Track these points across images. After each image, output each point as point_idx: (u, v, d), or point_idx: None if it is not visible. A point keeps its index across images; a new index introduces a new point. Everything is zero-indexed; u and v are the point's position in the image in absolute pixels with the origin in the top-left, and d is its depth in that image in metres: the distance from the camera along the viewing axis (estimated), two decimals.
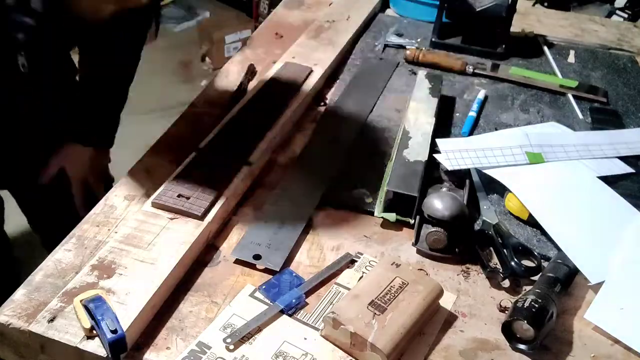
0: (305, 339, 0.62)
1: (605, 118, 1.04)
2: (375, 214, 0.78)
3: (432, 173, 0.84)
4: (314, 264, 0.72)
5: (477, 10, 1.17)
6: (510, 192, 0.81)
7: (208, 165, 0.80)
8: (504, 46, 1.21)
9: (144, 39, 1.04)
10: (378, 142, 0.93)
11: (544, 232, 0.78)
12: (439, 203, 0.73)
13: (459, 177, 0.84)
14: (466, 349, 0.63)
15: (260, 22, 3.00)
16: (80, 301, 0.60)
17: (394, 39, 1.24)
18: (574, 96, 1.09)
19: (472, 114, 1.01)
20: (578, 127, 1.01)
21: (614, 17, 2.01)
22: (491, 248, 0.76)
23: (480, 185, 0.84)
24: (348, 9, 1.30)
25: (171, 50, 2.84)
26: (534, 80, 1.13)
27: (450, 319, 0.66)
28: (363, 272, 0.71)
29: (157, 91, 2.49)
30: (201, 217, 0.72)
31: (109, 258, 0.66)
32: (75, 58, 1.05)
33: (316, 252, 0.74)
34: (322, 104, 1.02)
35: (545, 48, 1.26)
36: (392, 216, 0.77)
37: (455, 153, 0.86)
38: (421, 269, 0.72)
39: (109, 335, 0.56)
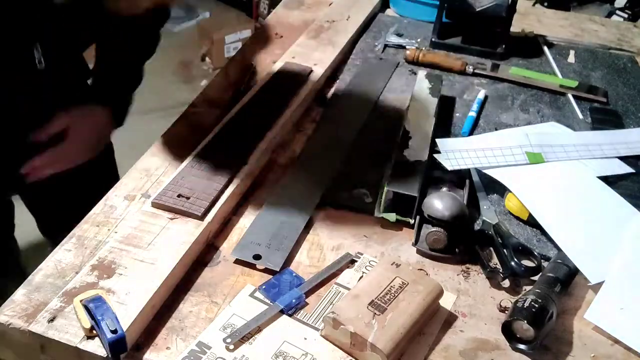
0: (305, 339, 0.62)
1: (605, 118, 1.04)
2: (375, 214, 0.78)
3: (432, 173, 0.84)
4: (314, 264, 0.72)
5: (477, 10, 1.17)
6: (510, 192, 0.81)
7: (208, 165, 0.80)
8: (504, 46, 1.21)
9: (167, 17, 1.02)
10: (378, 142, 0.93)
11: (544, 232, 0.78)
12: (439, 203, 0.73)
13: (459, 177, 0.84)
14: (466, 349, 0.63)
15: (260, 22, 3.01)
16: (80, 301, 0.60)
17: (394, 39, 1.24)
18: (574, 96, 1.09)
19: (472, 114, 1.01)
20: (578, 127, 1.01)
21: (614, 17, 2.01)
22: (491, 248, 0.76)
23: (480, 185, 0.84)
24: (348, 9, 1.30)
25: (171, 50, 2.84)
26: (534, 80, 1.13)
27: (450, 319, 0.66)
28: (363, 272, 0.71)
29: (157, 91, 2.49)
30: (201, 217, 0.72)
31: (109, 258, 0.66)
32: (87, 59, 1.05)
33: (316, 252, 0.74)
34: (322, 104, 1.02)
35: (545, 48, 1.26)
36: (392, 216, 0.77)
37: (455, 153, 0.86)
38: (421, 269, 0.72)
39: (109, 335, 0.56)
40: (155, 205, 0.73)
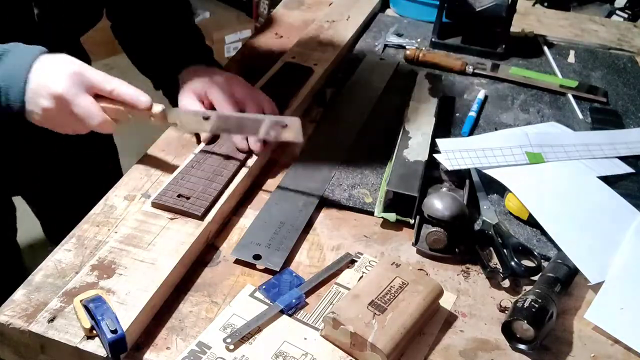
0: (305, 339, 0.62)
1: (605, 118, 1.04)
2: (375, 214, 0.78)
3: (432, 173, 0.84)
4: (314, 264, 0.72)
5: (477, 10, 1.17)
6: (510, 192, 0.81)
7: (208, 165, 0.80)
8: (504, 46, 1.21)
9: None
10: (378, 142, 0.93)
11: (544, 232, 0.78)
12: (439, 203, 0.73)
13: (459, 177, 0.84)
14: (466, 349, 0.63)
15: (260, 22, 3.01)
16: (80, 301, 0.60)
17: (394, 39, 1.24)
18: (574, 96, 1.09)
19: (472, 114, 1.01)
20: (578, 127, 1.01)
21: (614, 17, 2.01)
22: (491, 248, 0.76)
23: (480, 185, 0.84)
24: (348, 9, 1.30)
25: None
26: (534, 80, 1.13)
27: (450, 319, 0.66)
28: (363, 272, 0.71)
29: (157, 91, 2.48)
30: (201, 217, 0.72)
31: (109, 258, 0.66)
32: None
33: (316, 252, 0.74)
34: (322, 104, 1.02)
35: (545, 48, 1.26)
36: (392, 216, 0.77)
37: (455, 153, 0.86)
38: (421, 269, 0.72)
39: (109, 335, 0.56)
40: (155, 205, 0.73)
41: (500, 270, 0.71)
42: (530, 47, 1.27)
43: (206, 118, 0.78)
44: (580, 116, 1.04)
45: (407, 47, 1.19)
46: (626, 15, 2.02)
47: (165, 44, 0.93)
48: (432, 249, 0.73)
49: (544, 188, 0.83)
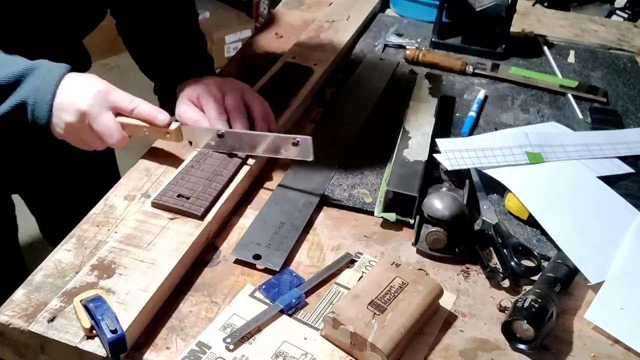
0: (305, 339, 0.62)
1: (605, 118, 1.04)
2: (375, 214, 0.78)
3: (432, 173, 0.84)
4: (314, 264, 0.72)
5: (477, 10, 1.17)
6: (510, 192, 0.81)
7: (208, 165, 0.80)
8: (504, 46, 1.21)
9: None
10: (378, 142, 0.93)
11: (544, 232, 0.78)
12: (439, 203, 0.73)
13: (459, 177, 0.84)
14: (466, 349, 0.63)
15: (260, 22, 3.01)
16: (80, 301, 0.60)
17: (394, 39, 1.24)
18: (574, 96, 1.09)
19: (472, 114, 1.01)
20: (578, 127, 1.01)
21: (614, 17, 2.01)
22: (491, 248, 0.76)
23: (480, 185, 0.84)
24: (348, 9, 1.30)
25: None
26: (534, 80, 1.13)
27: (450, 319, 0.66)
28: (363, 272, 0.71)
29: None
30: (201, 217, 0.72)
31: (109, 258, 0.66)
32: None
33: (316, 252, 0.74)
34: (322, 104, 1.02)
35: (545, 48, 1.26)
36: (392, 216, 0.77)
37: (455, 153, 0.86)
38: (421, 269, 0.72)
39: (109, 335, 0.56)
40: (155, 205, 0.73)
41: (500, 270, 0.71)
42: (530, 47, 1.27)
43: (220, 136, 0.81)
44: (580, 116, 1.04)
45: (407, 47, 1.19)
46: (626, 15, 2.02)
47: (167, 53, 0.94)
48: (432, 249, 0.74)
49: (544, 188, 0.83)
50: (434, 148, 0.87)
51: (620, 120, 1.04)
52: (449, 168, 0.83)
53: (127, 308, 0.60)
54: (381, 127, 0.96)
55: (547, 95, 1.10)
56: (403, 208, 0.78)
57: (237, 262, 0.71)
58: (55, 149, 0.95)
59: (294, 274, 0.69)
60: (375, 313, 0.61)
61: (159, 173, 0.84)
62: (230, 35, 2.94)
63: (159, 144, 0.90)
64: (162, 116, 0.78)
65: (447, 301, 0.68)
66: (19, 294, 0.65)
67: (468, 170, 0.85)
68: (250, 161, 0.82)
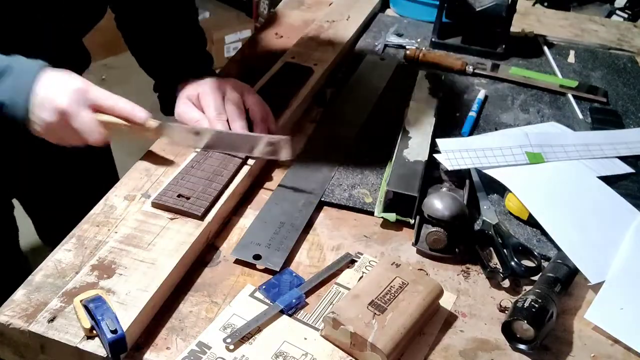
0: (305, 339, 0.62)
1: (605, 118, 1.04)
2: (375, 214, 0.78)
3: (432, 173, 0.84)
4: (314, 264, 0.72)
5: (477, 10, 1.17)
6: (510, 192, 0.81)
7: (208, 165, 0.80)
8: (504, 46, 1.21)
9: None
10: (378, 142, 0.93)
11: (544, 232, 0.78)
12: (439, 203, 0.73)
13: (459, 177, 0.84)
14: (466, 349, 0.63)
15: (260, 22, 3.01)
16: (80, 301, 0.60)
17: (394, 39, 1.24)
18: (574, 96, 1.09)
19: (472, 114, 1.01)
20: (578, 127, 1.01)
21: (614, 17, 2.01)
22: (491, 248, 0.76)
23: (480, 185, 0.84)
24: (348, 9, 1.30)
25: None
26: (534, 80, 1.13)
27: (450, 319, 0.66)
28: (363, 272, 0.71)
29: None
30: (201, 217, 0.72)
31: (109, 258, 0.66)
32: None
33: (316, 252, 0.74)
34: (322, 104, 1.02)
35: (545, 48, 1.26)
36: (392, 216, 0.77)
37: (455, 153, 0.86)
38: (421, 269, 0.72)
39: (109, 335, 0.56)
40: (155, 205, 0.73)
41: (500, 270, 0.71)
42: (530, 47, 1.27)
43: (197, 134, 0.81)
44: (580, 116, 1.04)
45: (407, 47, 1.19)
46: (626, 15, 2.02)
47: (166, 48, 0.94)
48: (432, 249, 0.74)
49: (544, 188, 0.83)
50: (434, 148, 0.87)
51: (620, 120, 1.04)
52: (449, 168, 0.83)
53: (127, 308, 0.60)
54: (381, 127, 0.96)
55: (547, 95, 1.10)
56: (403, 208, 0.78)
57: (237, 262, 0.71)
58: (53, 150, 0.95)
59: (294, 274, 0.69)
60: (375, 313, 0.61)
61: (159, 173, 0.84)
62: (230, 35, 2.94)
63: (159, 143, 0.90)
64: (140, 113, 0.77)
65: (447, 301, 0.68)
66: (19, 294, 0.65)
67: (468, 170, 0.85)
68: (250, 161, 0.82)
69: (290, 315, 0.65)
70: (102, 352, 0.58)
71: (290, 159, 0.79)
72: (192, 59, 0.95)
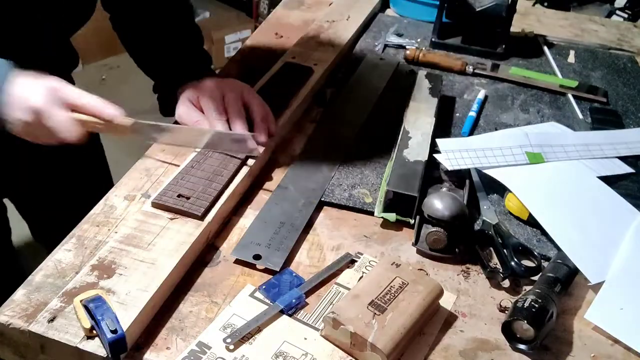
0: (305, 339, 0.62)
1: (605, 118, 1.04)
2: (375, 214, 0.78)
3: (432, 173, 0.84)
4: (314, 264, 0.72)
5: (477, 10, 1.17)
6: (510, 192, 0.81)
7: (208, 165, 0.80)
8: (504, 46, 1.21)
9: None
10: (378, 142, 0.93)
11: (544, 232, 0.78)
12: (439, 203, 0.73)
13: (459, 177, 0.84)
14: (466, 349, 0.63)
15: (260, 22, 3.01)
16: (80, 301, 0.60)
17: (394, 39, 1.24)
18: (574, 96, 1.09)
19: (472, 114, 1.01)
20: (578, 127, 1.01)
21: (614, 17, 2.01)
22: (491, 248, 0.76)
23: (480, 185, 0.84)
24: (348, 9, 1.30)
25: None
26: (534, 80, 1.13)
27: (450, 319, 0.66)
28: (363, 272, 0.71)
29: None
30: (201, 217, 0.72)
31: (109, 258, 0.66)
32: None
33: (316, 252, 0.74)
34: (322, 104, 1.02)
35: (545, 48, 1.26)
36: (392, 216, 0.77)
37: (455, 153, 0.86)
38: (421, 269, 0.72)
39: (109, 335, 0.56)
40: (155, 205, 0.73)
41: (500, 270, 0.71)
42: (530, 47, 1.27)
43: (163, 130, 0.81)
44: (580, 116, 1.04)
45: (407, 47, 1.19)
46: (626, 15, 2.02)
47: (161, 44, 0.94)
48: (432, 249, 0.74)
49: (544, 188, 0.83)
50: (434, 148, 0.87)
51: (620, 120, 1.04)
52: (449, 168, 0.83)
53: (127, 308, 0.60)
54: (381, 127, 0.96)
55: (547, 95, 1.10)
56: (403, 208, 0.78)
57: (237, 262, 0.71)
58: (43, 150, 0.96)
59: (294, 274, 0.69)
60: (375, 313, 0.61)
61: (159, 173, 0.84)
62: (230, 35, 2.94)
63: (159, 143, 0.90)
64: (108, 110, 0.76)
65: (447, 301, 0.68)
66: (19, 294, 0.65)
67: (468, 170, 0.85)
68: (250, 161, 0.82)
69: (290, 315, 0.65)
70: (102, 352, 0.58)
71: (257, 155, 0.81)
72: (189, 58, 0.95)
